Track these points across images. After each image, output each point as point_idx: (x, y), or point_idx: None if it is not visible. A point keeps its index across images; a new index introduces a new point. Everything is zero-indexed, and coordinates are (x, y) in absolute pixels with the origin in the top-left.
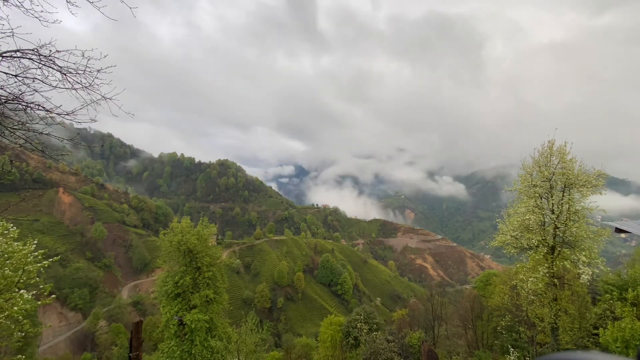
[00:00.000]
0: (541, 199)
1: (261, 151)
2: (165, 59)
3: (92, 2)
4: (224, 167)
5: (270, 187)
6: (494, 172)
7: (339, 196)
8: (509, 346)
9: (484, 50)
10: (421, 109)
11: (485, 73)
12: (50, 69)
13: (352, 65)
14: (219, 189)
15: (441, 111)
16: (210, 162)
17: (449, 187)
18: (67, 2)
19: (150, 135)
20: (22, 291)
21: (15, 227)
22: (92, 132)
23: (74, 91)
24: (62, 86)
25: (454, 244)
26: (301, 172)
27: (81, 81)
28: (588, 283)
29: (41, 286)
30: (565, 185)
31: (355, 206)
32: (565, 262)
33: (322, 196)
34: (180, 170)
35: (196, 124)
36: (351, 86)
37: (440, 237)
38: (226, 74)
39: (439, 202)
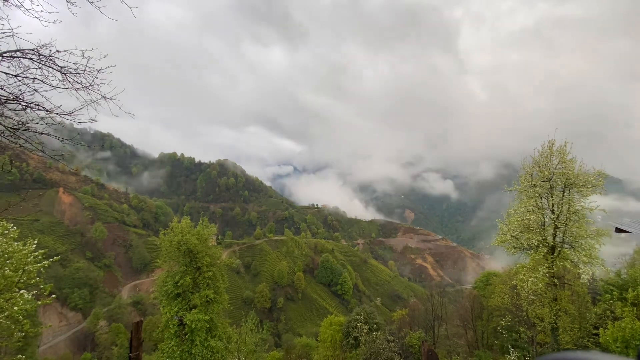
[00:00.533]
0: (541, 199)
1: (259, 151)
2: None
3: (92, 2)
4: (223, 167)
5: (270, 187)
6: (486, 171)
7: (336, 196)
8: (509, 346)
9: (460, 40)
10: (408, 106)
11: (464, 65)
12: (50, 69)
13: (332, 60)
14: (219, 189)
15: (428, 107)
16: (210, 162)
17: (445, 187)
18: (67, 2)
19: (144, 133)
20: (22, 291)
21: (15, 227)
22: (92, 132)
23: (74, 91)
24: (62, 86)
25: (454, 244)
26: (298, 172)
27: (81, 81)
28: (588, 283)
29: (41, 286)
30: (565, 185)
31: (353, 206)
32: (565, 262)
33: (318, 195)
34: (180, 170)
35: (188, 122)
36: (334, 83)
37: (440, 237)
38: (205, 69)
39: (439, 201)
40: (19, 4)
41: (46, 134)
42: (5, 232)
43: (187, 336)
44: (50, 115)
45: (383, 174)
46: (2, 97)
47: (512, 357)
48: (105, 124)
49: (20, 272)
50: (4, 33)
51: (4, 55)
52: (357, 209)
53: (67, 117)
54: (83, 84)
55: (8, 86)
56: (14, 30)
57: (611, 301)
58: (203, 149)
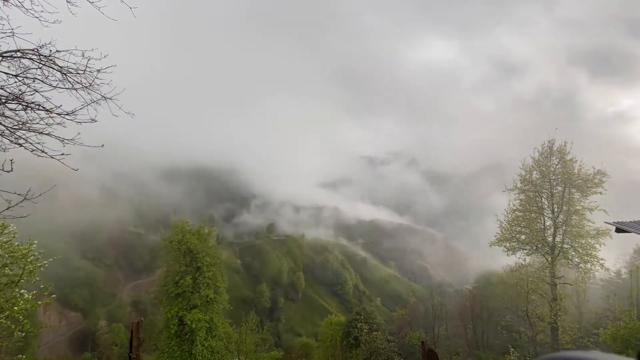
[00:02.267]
0: (541, 198)
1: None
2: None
3: (92, 2)
4: (224, 167)
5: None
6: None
7: (336, 196)
8: (509, 346)
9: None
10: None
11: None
12: (50, 69)
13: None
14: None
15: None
16: (210, 161)
17: (444, 186)
18: (67, 2)
19: (143, 132)
20: (22, 291)
21: (15, 227)
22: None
23: (74, 91)
24: (62, 86)
25: (454, 244)
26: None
27: (81, 81)
28: (588, 283)
29: (41, 286)
30: (565, 184)
31: (353, 205)
32: (566, 261)
33: (317, 195)
34: (180, 170)
35: (183, 121)
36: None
37: (440, 236)
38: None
39: (438, 201)
40: (19, 4)
41: (46, 134)
42: (5, 232)
43: (187, 336)
44: (50, 115)
45: (383, 173)
46: (2, 97)
47: (512, 357)
48: (104, 123)
49: (20, 272)
50: (4, 33)
51: (4, 55)
52: (358, 209)
53: (67, 117)
54: (83, 84)
55: (8, 86)
56: (14, 30)
57: (611, 301)
58: (202, 148)
